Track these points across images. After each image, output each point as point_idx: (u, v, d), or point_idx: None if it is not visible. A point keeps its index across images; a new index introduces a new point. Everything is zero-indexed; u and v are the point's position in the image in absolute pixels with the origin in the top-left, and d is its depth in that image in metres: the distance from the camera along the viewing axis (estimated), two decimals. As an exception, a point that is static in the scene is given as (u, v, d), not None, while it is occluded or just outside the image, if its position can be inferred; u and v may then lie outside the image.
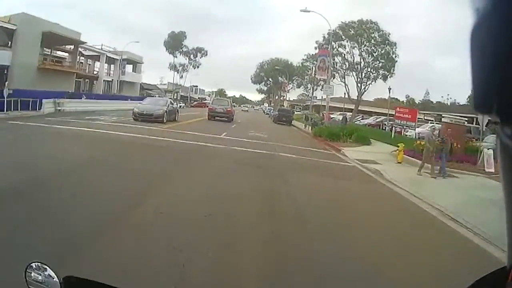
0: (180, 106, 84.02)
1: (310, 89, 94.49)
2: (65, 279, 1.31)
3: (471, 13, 0.65)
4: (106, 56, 67.88)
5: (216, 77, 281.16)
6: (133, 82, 76.53)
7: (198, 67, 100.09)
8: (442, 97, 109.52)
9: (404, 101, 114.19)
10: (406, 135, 31.94)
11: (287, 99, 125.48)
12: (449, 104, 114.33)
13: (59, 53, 58.92)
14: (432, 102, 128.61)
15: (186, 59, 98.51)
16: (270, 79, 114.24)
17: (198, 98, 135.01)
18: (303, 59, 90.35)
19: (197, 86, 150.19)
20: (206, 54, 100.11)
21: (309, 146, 24.94)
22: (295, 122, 50.57)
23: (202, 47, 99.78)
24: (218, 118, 40.01)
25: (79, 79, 66.61)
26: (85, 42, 56.67)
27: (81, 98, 42.38)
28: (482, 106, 0.68)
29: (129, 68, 78.60)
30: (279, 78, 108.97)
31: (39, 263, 1.32)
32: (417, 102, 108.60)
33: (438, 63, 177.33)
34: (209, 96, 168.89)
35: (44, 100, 31.35)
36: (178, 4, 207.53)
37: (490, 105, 0.65)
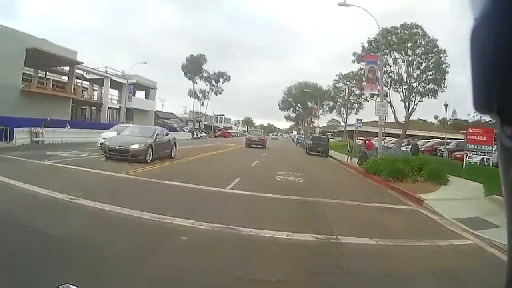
0: (200, 136, 78.71)
1: (343, 113, 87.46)
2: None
3: (471, 13, 0.66)
4: (113, 80, 59.87)
5: (242, 105, 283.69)
6: (145, 109, 68.18)
7: (220, 93, 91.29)
8: (468, 115, 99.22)
9: (434, 122, 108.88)
10: (471, 162, 25.82)
11: (317, 125, 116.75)
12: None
13: (52, 75, 50.88)
14: (466, 121, 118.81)
15: (207, 84, 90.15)
16: (298, 105, 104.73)
17: (224, 127, 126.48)
18: (335, 80, 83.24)
19: (223, 115, 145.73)
20: (229, 79, 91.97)
21: (372, 195, 15.15)
22: (331, 151, 41.15)
23: (224, 72, 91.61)
24: (253, 145, 45.18)
25: (84, 106, 58.81)
26: (81, 62, 48.54)
27: (65, 128, 33.78)
28: (482, 106, 0.69)
29: (141, 94, 70.83)
30: (308, 103, 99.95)
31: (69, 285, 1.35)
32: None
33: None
34: (235, 125, 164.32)
35: (16, 130, 25.23)
36: (203, 32, 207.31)
37: (490, 105, 0.66)
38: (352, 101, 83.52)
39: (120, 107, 60.18)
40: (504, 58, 0.61)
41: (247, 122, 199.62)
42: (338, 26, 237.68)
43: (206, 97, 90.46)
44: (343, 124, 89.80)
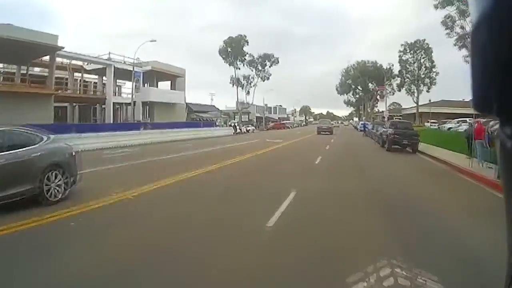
0: (247, 130, 64.55)
1: (414, 91, 71.37)
2: None
3: (472, 13, 0.67)
4: (121, 69, 47.85)
5: (299, 95, 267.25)
6: (171, 103, 56.23)
7: (268, 78, 77.91)
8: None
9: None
10: None
11: (386, 108, 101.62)
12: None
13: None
14: None
15: (252, 70, 76.91)
16: (358, 87, 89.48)
17: (278, 118, 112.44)
18: (400, 51, 69.80)
19: (280, 105, 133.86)
20: (277, 62, 78.84)
21: None
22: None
23: (271, 54, 78.26)
24: (322, 133, 56.06)
25: (84, 103, 47.31)
26: (61, 48, 37.38)
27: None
28: (482, 106, 0.69)
29: (165, 85, 59.56)
30: (369, 84, 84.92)
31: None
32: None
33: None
34: (292, 115, 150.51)
35: None
36: (255, 26, 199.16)
37: (490, 105, 0.65)
38: (423, 75, 69.37)
39: (135, 102, 47.46)
40: (504, 58, 0.61)
41: (305, 111, 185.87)
42: (391, 9, 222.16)
43: (252, 83, 77.49)
44: (413, 105, 73.73)
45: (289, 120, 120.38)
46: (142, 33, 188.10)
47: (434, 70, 68.77)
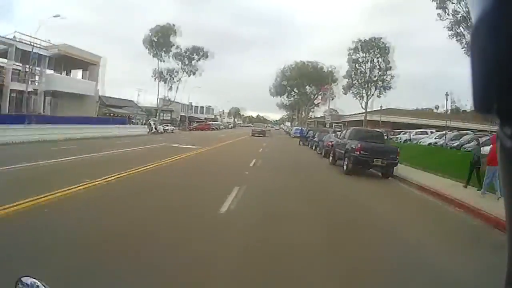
0: (164, 130, 56.75)
1: (363, 95, 61.62)
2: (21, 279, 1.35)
3: (471, 13, 0.67)
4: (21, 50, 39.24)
5: (233, 96, 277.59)
6: (80, 94, 47.11)
7: (194, 73, 69.98)
8: (466, 105, 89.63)
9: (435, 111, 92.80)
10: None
11: (314, 115, 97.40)
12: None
13: None
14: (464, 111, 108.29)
15: (178, 64, 69.43)
16: (294, 90, 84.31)
17: (205, 118, 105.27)
18: (350, 49, 61.02)
19: (209, 106, 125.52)
20: (206, 56, 70.72)
21: None
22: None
23: (200, 47, 70.65)
24: (256, 135, 61.45)
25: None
26: None
27: None
28: (482, 106, 0.69)
29: (77, 74, 50.89)
30: (307, 87, 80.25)
31: (30, 278, 1.35)
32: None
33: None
34: (220, 116, 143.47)
35: None
36: (197, 26, 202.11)
37: (490, 105, 0.65)
38: (375, 78, 60.97)
39: (37, 90, 39.10)
40: (504, 58, 0.61)
41: (235, 113, 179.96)
42: (334, 16, 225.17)
43: (176, 78, 69.39)
44: (356, 111, 66.80)
45: (216, 121, 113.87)
46: (90, 28, 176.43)
47: (389, 72, 60.76)
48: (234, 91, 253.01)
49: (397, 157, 17.74)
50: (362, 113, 61.61)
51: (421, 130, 44.57)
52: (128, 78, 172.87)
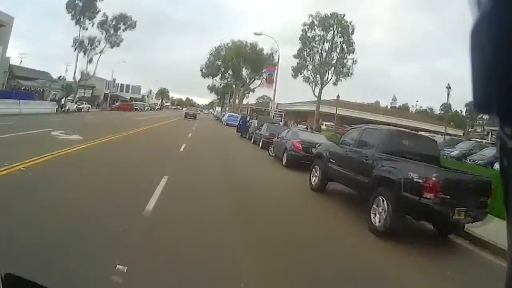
0: (78, 108, 47.82)
1: (318, 80, 52.81)
2: (6, 276, 1.31)
3: (471, 12, 0.67)
4: None
5: (164, 78, 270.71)
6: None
7: (118, 45, 61.28)
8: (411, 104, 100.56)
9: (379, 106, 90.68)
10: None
11: (248, 102, 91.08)
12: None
13: None
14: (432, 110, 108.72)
15: (102, 33, 60.30)
16: (229, 72, 77.10)
17: (130, 98, 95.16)
18: (304, 25, 52.63)
19: (140, 86, 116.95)
20: (134, 26, 62.66)
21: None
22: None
23: (128, 15, 62.18)
24: (188, 117, 64.24)
25: None
26: None
27: None
28: (482, 105, 0.68)
29: None
30: (244, 69, 73.54)
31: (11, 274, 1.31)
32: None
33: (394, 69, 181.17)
34: (147, 96, 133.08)
35: None
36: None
37: (490, 105, 0.65)
38: (335, 60, 51.84)
39: None
40: (504, 57, 0.61)
41: (162, 93, 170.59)
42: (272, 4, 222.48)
43: (97, 49, 60.02)
44: (313, 99, 55.29)
45: (143, 101, 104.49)
46: None
47: (350, 57, 51.94)
48: (163, 72, 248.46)
49: (488, 198, 8.28)
50: (308, 102, 54.93)
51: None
52: (57, 53, 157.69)
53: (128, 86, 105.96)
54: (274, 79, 44.24)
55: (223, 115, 68.55)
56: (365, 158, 9.73)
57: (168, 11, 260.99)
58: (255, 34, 38.67)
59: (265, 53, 71.30)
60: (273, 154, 20.94)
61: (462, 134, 56.15)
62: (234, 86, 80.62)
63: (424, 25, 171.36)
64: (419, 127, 48.16)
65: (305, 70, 52.70)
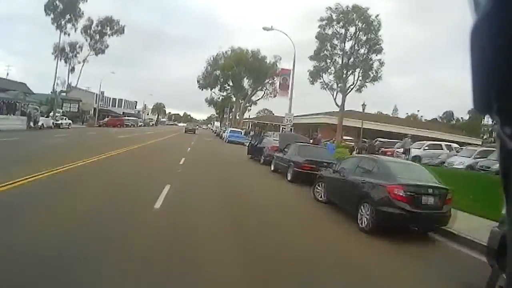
0: (55, 123, 40.45)
1: (340, 85, 42.52)
2: None
3: (471, 13, 0.67)
4: None
5: (159, 94, 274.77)
6: None
7: (103, 52, 54.35)
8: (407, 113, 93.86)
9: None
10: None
11: (249, 116, 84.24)
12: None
13: None
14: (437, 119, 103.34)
15: (86, 39, 53.75)
16: (228, 82, 69.66)
17: (123, 113, 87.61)
18: (322, 19, 41.62)
19: (136, 101, 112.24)
20: (122, 32, 56.05)
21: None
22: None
23: (115, 19, 55.62)
24: (188, 132, 65.29)
25: None
26: None
27: None
28: (482, 106, 0.69)
29: None
30: (245, 79, 66.58)
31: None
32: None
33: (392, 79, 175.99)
34: (143, 112, 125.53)
35: None
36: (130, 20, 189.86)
37: (490, 105, 0.65)
38: (361, 61, 42.10)
39: None
40: (504, 58, 0.61)
41: (159, 109, 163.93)
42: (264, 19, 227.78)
43: (80, 56, 53.22)
44: (335, 108, 44.37)
45: (138, 117, 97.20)
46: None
47: (378, 57, 42.28)
48: (160, 88, 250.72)
49: None
50: (319, 114, 46.98)
51: (433, 143, 30.64)
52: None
53: (120, 100, 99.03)
54: (290, 85, 34.99)
55: (224, 131, 59.26)
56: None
57: (164, 28, 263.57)
58: (264, 29, 31.59)
59: (267, 62, 64.49)
60: (324, 198, 12.23)
61: (481, 143, 49.54)
62: (234, 98, 73.19)
63: (418, 36, 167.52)
64: (449, 139, 40.34)
65: (325, 74, 43.08)
